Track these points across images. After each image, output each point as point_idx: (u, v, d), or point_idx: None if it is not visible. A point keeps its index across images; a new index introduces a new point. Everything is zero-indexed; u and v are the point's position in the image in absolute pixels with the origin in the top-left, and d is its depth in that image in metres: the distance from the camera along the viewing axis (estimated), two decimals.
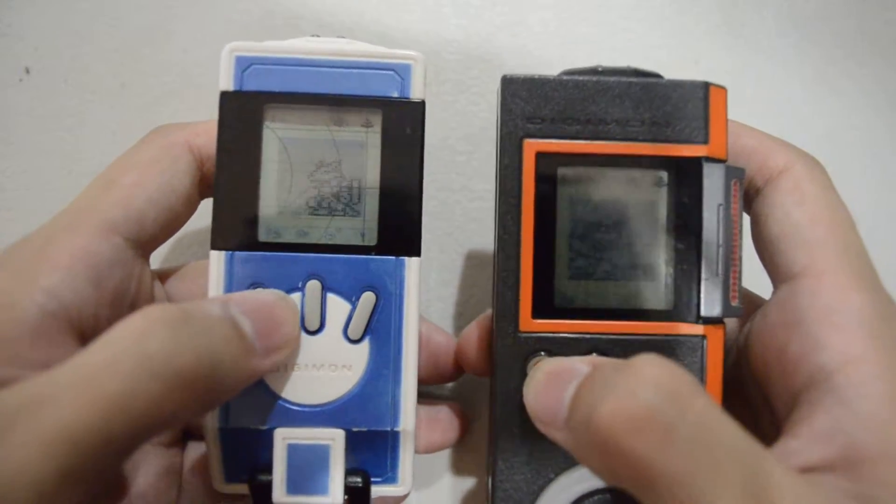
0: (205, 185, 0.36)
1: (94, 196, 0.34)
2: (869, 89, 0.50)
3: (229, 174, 0.34)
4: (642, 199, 0.34)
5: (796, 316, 0.32)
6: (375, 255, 0.34)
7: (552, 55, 0.48)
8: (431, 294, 0.47)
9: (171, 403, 0.26)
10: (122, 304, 0.33)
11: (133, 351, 0.25)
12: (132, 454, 0.27)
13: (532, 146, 0.34)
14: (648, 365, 0.26)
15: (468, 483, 0.46)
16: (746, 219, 0.36)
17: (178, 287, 0.37)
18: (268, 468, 0.34)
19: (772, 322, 0.33)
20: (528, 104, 0.34)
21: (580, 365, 0.28)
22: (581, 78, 0.34)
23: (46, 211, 0.33)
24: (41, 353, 0.29)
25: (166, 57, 0.47)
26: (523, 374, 0.33)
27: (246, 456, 0.34)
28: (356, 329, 0.34)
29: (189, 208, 0.36)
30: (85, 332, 0.31)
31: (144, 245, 0.34)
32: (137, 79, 0.47)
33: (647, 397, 0.24)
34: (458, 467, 0.46)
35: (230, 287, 0.34)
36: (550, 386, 0.29)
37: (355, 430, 0.34)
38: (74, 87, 0.46)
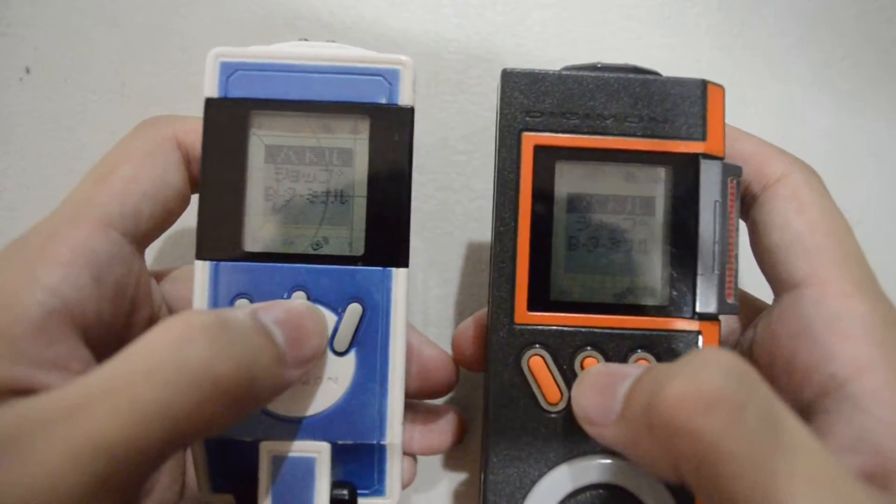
0: (194, 183, 0.35)
1: (89, 190, 0.33)
2: (868, 89, 0.49)
3: (214, 182, 0.33)
4: (639, 194, 0.34)
5: (802, 326, 0.31)
6: (362, 265, 0.33)
7: (552, 55, 0.47)
8: (431, 294, 0.46)
9: (209, 412, 0.25)
10: (123, 299, 0.32)
11: (172, 358, 0.25)
12: (167, 462, 0.26)
13: (530, 139, 0.34)
14: (714, 352, 0.26)
15: (462, 478, 0.46)
16: (742, 222, 0.36)
17: (171, 290, 0.37)
18: (254, 479, 0.33)
19: (777, 332, 0.33)
20: (528, 98, 0.34)
21: (632, 368, 0.29)
22: (580, 73, 0.34)
23: (46, 210, 0.33)
24: (46, 351, 0.29)
25: (166, 57, 0.46)
26: (517, 367, 0.33)
27: (231, 466, 0.34)
28: (342, 341, 0.33)
29: (182, 204, 0.35)
30: (87, 329, 0.31)
31: (140, 241, 0.34)
32: (137, 79, 0.46)
33: (717, 378, 0.24)
34: (453, 462, 0.46)
35: (215, 298, 0.33)
36: (602, 385, 0.29)
37: (341, 443, 0.33)
38: (74, 87, 0.46)
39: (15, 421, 0.24)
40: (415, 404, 0.41)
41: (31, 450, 0.23)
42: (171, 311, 0.36)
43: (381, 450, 0.34)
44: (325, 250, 0.34)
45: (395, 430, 0.34)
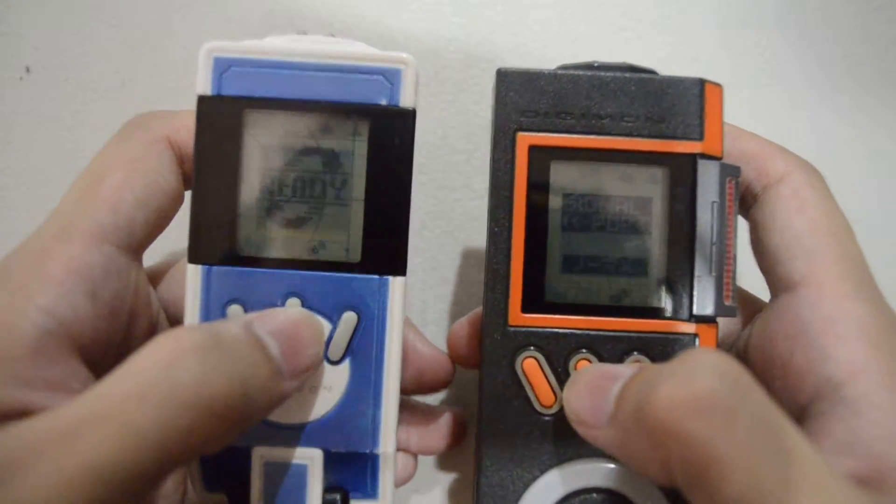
0: (188, 181, 0.34)
1: (80, 199, 0.31)
2: (869, 88, 0.48)
3: (207, 184, 0.32)
4: (636, 194, 0.33)
5: (798, 327, 0.31)
6: (358, 273, 0.32)
7: (552, 54, 0.46)
8: (430, 293, 0.45)
9: (203, 433, 0.24)
10: (121, 313, 0.31)
11: (162, 381, 0.24)
12: (163, 482, 0.25)
13: (525, 139, 0.33)
14: (706, 354, 0.25)
15: (459, 478, 0.45)
16: (742, 220, 0.35)
17: (168, 292, 0.35)
18: (246, 482, 0.32)
19: (773, 333, 0.32)
20: (523, 97, 0.33)
21: (624, 368, 0.28)
22: (576, 72, 0.33)
23: (46, 210, 0.32)
24: (43, 373, 0.28)
25: (166, 56, 0.45)
26: (511, 369, 0.32)
27: (224, 469, 0.32)
28: (336, 350, 0.32)
29: (176, 205, 0.34)
30: (85, 347, 0.29)
31: (136, 249, 0.32)
32: (138, 78, 0.45)
33: (709, 381, 0.24)
34: (451, 462, 0.45)
35: (207, 303, 0.31)
36: (593, 386, 0.28)
37: (333, 450, 0.32)
38: (75, 87, 0.45)
39: (10, 445, 0.23)
40: (412, 405, 0.40)
41: (26, 475, 0.22)
42: (169, 315, 0.35)
43: (374, 459, 0.33)
44: (321, 256, 0.32)
45: (388, 440, 0.33)
